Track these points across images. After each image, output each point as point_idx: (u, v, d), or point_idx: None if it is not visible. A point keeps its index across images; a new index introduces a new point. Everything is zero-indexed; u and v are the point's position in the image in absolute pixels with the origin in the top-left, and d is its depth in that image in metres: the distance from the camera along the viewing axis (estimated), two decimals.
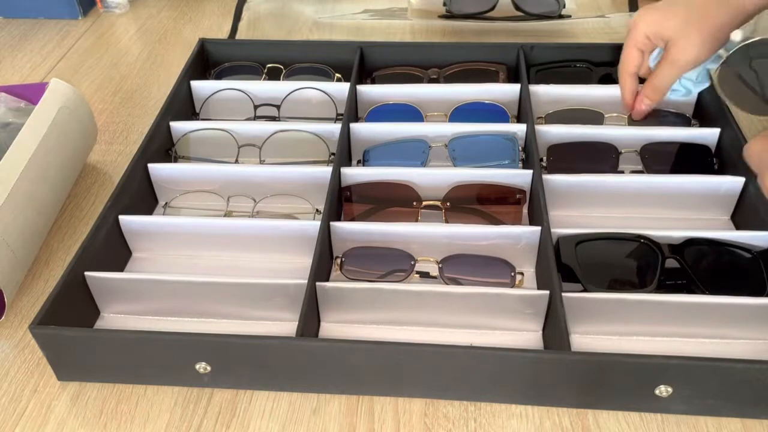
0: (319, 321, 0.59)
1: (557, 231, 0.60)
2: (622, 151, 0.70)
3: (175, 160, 0.74)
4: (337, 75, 0.83)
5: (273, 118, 0.79)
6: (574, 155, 0.70)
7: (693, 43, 0.62)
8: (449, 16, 0.98)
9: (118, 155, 0.79)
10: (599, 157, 0.70)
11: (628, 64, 0.68)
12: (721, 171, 0.68)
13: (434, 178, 0.67)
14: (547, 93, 0.77)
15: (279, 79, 0.84)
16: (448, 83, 0.81)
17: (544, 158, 0.70)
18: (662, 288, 0.57)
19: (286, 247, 0.63)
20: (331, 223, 0.61)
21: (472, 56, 0.83)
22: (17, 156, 0.63)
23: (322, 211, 0.63)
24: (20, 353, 0.58)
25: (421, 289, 0.56)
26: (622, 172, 0.70)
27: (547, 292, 0.55)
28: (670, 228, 0.62)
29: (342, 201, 0.67)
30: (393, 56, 0.84)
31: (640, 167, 0.70)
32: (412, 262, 0.61)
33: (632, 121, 0.74)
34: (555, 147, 0.70)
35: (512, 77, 0.82)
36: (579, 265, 0.58)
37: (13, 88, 0.76)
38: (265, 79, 0.84)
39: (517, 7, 0.95)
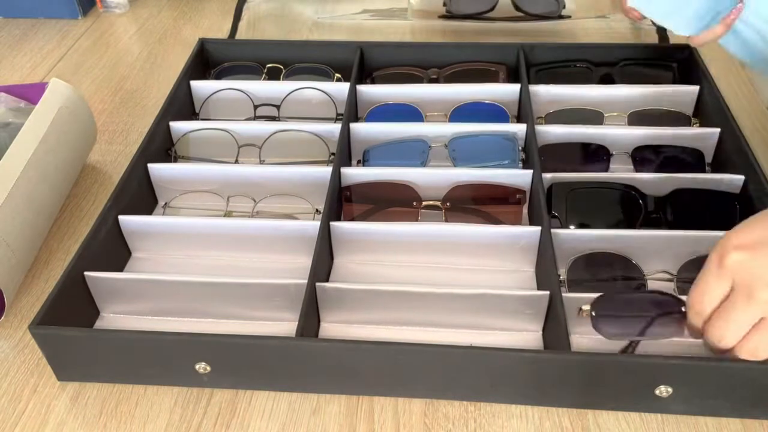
0: (318, 321, 0.58)
1: (556, 231, 0.60)
2: (614, 152, 0.70)
3: (175, 160, 0.74)
4: (337, 75, 0.83)
5: (273, 118, 0.79)
6: (565, 155, 0.70)
7: None
8: (449, 16, 0.98)
9: (118, 155, 0.79)
10: (591, 158, 0.70)
11: None
12: (721, 170, 0.68)
13: (434, 178, 0.67)
14: (547, 93, 0.77)
15: (279, 79, 0.84)
16: (448, 83, 0.80)
17: None
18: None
19: (286, 247, 0.63)
20: (331, 223, 0.61)
21: (472, 56, 0.83)
22: (17, 156, 0.63)
23: (321, 211, 0.63)
24: (20, 353, 0.58)
25: (421, 290, 0.56)
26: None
27: (547, 292, 0.55)
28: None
29: (342, 201, 0.67)
30: (393, 56, 0.84)
31: (631, 168, 0.70)
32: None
33: (633, 121, 0.74)
34: (546, 147, 0.70)
35: (512, 77, 0.82)
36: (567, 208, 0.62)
37: (12, 88, 0.76)
38: (265, 79, 0.84)
39: (517, 8, 0.95)
